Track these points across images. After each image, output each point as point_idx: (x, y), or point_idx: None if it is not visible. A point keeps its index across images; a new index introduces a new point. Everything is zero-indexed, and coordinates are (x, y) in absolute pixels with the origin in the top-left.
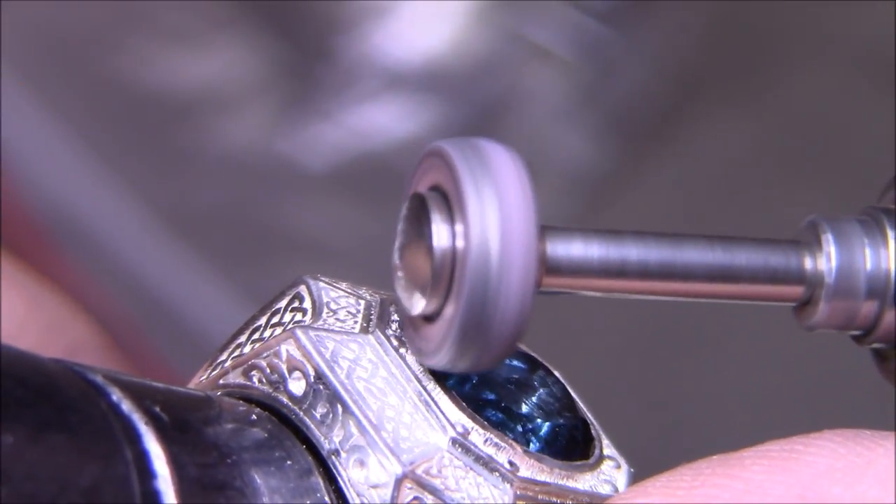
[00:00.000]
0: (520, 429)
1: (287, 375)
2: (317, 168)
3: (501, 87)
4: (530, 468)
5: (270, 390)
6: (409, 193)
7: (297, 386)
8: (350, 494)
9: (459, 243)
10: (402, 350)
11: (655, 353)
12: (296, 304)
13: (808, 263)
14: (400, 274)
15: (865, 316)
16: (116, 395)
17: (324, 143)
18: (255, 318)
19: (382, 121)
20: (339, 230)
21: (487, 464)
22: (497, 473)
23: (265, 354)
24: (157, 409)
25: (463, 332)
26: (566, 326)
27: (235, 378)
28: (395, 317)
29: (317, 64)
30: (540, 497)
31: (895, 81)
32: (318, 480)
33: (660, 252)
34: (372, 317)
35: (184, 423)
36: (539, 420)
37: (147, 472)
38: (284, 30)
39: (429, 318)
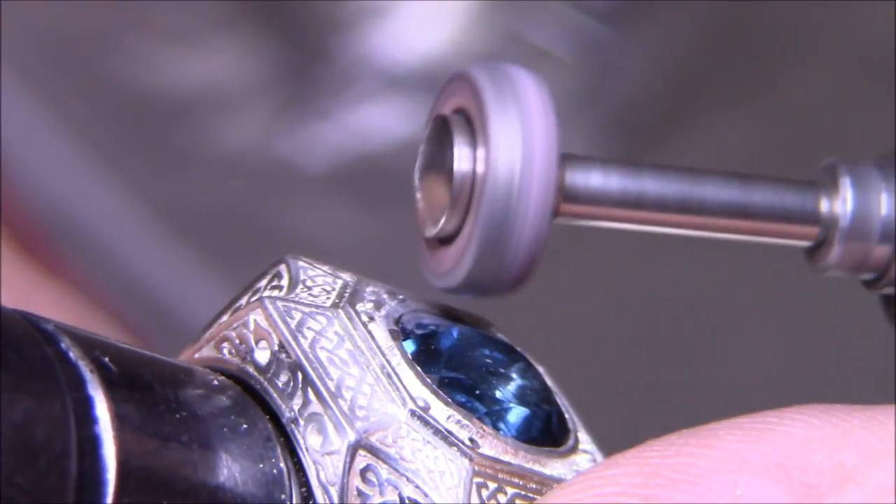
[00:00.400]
0: (490, 412)
1: (254, 346)
2: (315, 168)
3: None
4: (493, 448)
5: (239, 361)
6: (433, 115)
7: (262, 355)
8: (306, 462)
9: (480, 167)
10: (372, 326)
11: (656, 354)
12: (275, 283)
13: (823, 205)
14: (419, 195)
15: (878, 260)
16: (66, 342)
17: (322, 143)
18: (237, 297)
19: (381, 121)
20: (337, 230)
21: (446, 438)
22: (456, 448)
23: (235, 325)
24: (107, 359)
25: (479, 254)
26: (566, 325)
27: (209, 351)
28: (370, 297)
29: (315, 64)
30: (500, 476)
31: (895, 81)
32: (277, 448)
33: (678, 185)
34: (346, 294)
35: (133, 376)
36: (511, 405)
37: (87, 418)
38: (283, 30)
39: (445, 241)
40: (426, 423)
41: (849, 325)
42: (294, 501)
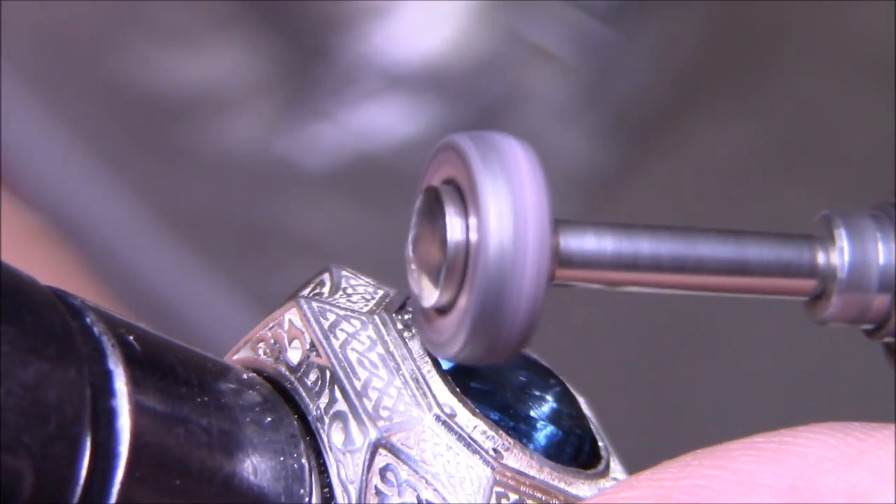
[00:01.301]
0: (519, 428)
1: (287, 345)
2: (316, 168)
3: (501, 87)
4: (518, 461)
5: (272, 360)
6: (422, 186)
7: (294, 355)
8: (329, 459)
9: (473, 236)
10: (406, 333)
11: (658, 355)
12: (317, 290)
13: (820, 258)
14: (413, 266)
15: (877, 310)
16: (91, 317)
17: (323, 143)
18: (282, 305)
19: (382, 121)
20: (338, 230)
21: (469, 445)
22: (478, 456)
23: (271, 325)
24: (131, 338)
25: (476, 324)
26: (569, 328)
27: (245, 353)
28: (410, 308)
29: (316, 64)
30: (522, 489)
31: (895, 81)
32: (301, 444)
33: (672, 246)
34: (385, 303)
35: (156, 356)
36: (542, 424)
37: (106, 390)
38: (283, 30)
39: (442, 311)
40: (450, 428)
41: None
42: (314, 499)
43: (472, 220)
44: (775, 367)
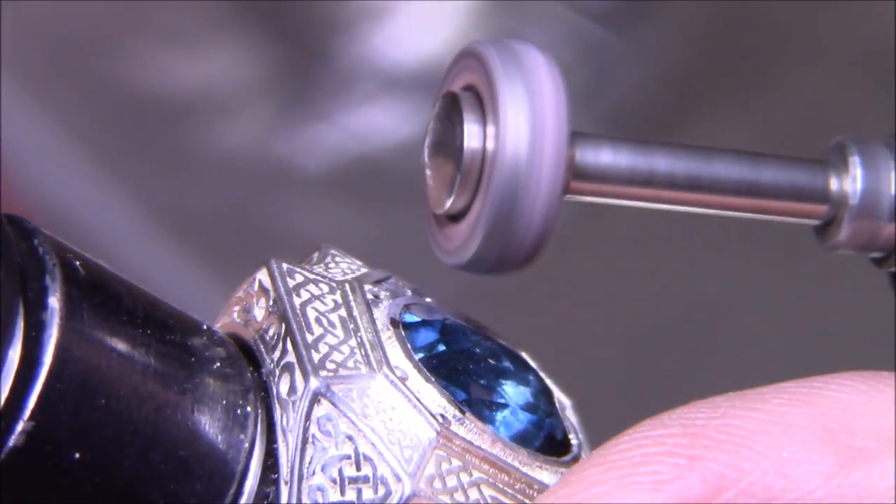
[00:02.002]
0: (479, 404)
1: (255, 303)
2: (315, 169)
3: None
4: (469, 432)
5: (242, 322)
6: (441, 91)
7: (259, 312)
8: (275, 408)
9: (490, 144)
10: (374, 304)
11: (657, 353)
12: (305, 263)
13: (833, 183)
14: (429, 172)
15: (887, 238)
16: (40, 239)
17: (322, 144)
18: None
19: (381, 122)
20: (337, 232)
21: (416, 408)
22: (423, 419)
23: (245, 287)
24: (77, 263)
25: (489, 231)
26: (566, 324)
27: (223, 318)
28: (389, 286)
29: (315, 65)
30: (468, 457)
31: (895, 81)
32: (253, 396)
33: (688, 164)
34: (362, 277)
35: (100, 284)
36: (508, 406)
37: (39, 305)
38: (282, 31)
39: (454, 218)
40: (398, 389)
41: (852, 323)
42: (257, 448)
43: (490, 128)
44: (774, 368)
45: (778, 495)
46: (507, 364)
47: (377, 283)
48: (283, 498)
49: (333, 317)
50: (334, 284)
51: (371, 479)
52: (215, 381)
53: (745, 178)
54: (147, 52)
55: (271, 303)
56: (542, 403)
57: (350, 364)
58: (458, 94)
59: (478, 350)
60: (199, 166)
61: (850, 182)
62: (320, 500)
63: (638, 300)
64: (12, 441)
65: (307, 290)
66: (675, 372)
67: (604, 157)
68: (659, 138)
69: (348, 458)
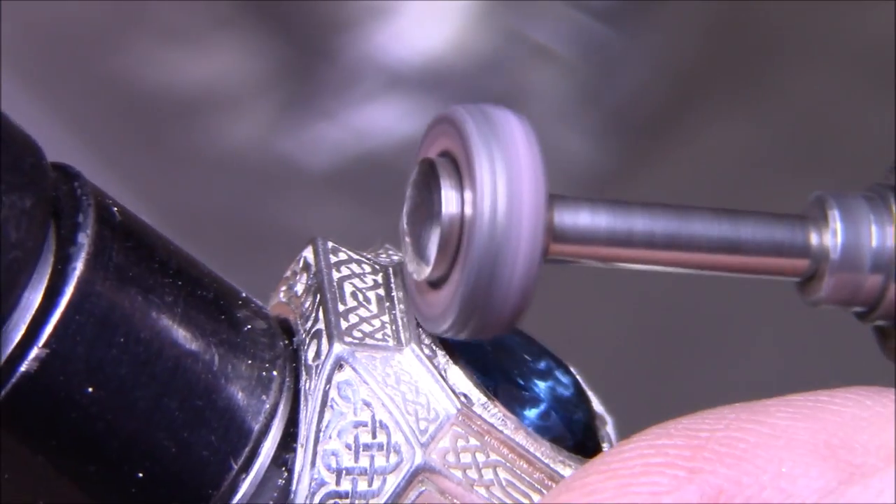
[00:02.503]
0: (517, 405)
1: (298, 279)
2: (317, 168)
3: (502, 86)
4: (492, 416)
5: (286, 300)
6: (418, 158)
7: (300, 287)
8: (302, 376)
9: (468, 210)
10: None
11: (658, 352)
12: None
13: (813, 238)
14: (407, 239)
15: (869, 292)
16: (80, 182)
17: (324, 142)
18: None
19: (383, 120)
20: (339, 230)
21: (439, 383)
22: (445, 395)
23: (292, 265)
24: (115, 210)
25: (469, 299)
26: (568, 322)
27: (273, 299)
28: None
29: (317, 64)
30: (487, 438)
31: (895, 81)
32: (282, 362)
33: (666, 223)
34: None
35: (135, 231)
36: (544, 405)
37: (69, 240)
38: (285, 29)
39: (434, 285)
40: (423, 364)
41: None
42: (280, 410)
43: (468, 194)
44: (775, 368)
45: None
46: (545, 365)
47: None
48: (298, 461)
49: (371, 294)
50: (378, 266)
51: (385, 447)
52: (244, 341)
53: (725, 235)
54: (150, 50)
55: (311, 277)
56: (579, 409)
57: (378, 336)
58: (434, 160)
59: (518, 349)
60: (202, 164)
61: (831, 236)
62: (333, 465)
63: (639, 300)
64: (25, 366)
65: (348, 267)
66: (676, 369)
67: (582, 218)
68: (661, 136)
69: (365, 424)
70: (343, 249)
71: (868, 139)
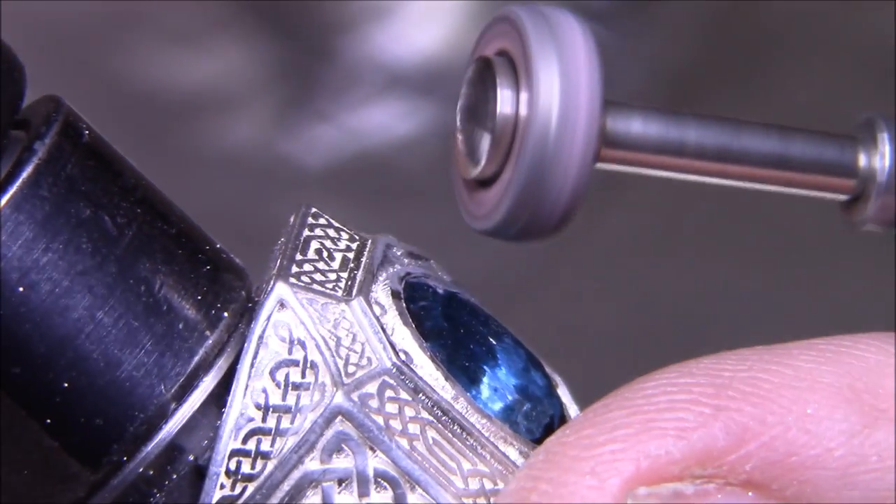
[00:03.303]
0: (467, 380)
1: (279, 242)
2: (316, 168)
3: None
4: (433, 379)
5: (272, 265)
6: (474, 56)
7: (277, 248)
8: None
9: (523, 111)
10: (389, 266)
11: (658, 352)
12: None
13: (862, 159)
14: (460, 136)
15: None
16: (59, 106)
17: (324, 142)
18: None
19: (382, 120)
20: None
21: (378, 335)
22: (382, 347)
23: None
24: (86, 132)
25: (519, 198)
26: (568, 322)
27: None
28: (419, 259)
29: (317, 64)
30: (421, 396)
31: (895, 81)
32: (237, 308)
33: (718, 135)
34: (396, 244)
35: (103, 154)
36: (498, 383)
37: (27, 148)
38: (285, 30)
39: (484, 183)
40: (367, 317)
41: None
42: (227, 351)
43: (524, 95)
44: None
45: (798, 451)
46: (522, 364)
47: (412, 255)
48: (230, 396)
49: (337, 254)
50: (358, 237)
51: (311, 387)
52: (198, 278)
53: (775, 150)
54: (150, 51)
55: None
56: (548, 410)
57: (329, 286)
58: (491, 59)
59: (478, 327)
60: (202, 164)
61: (879, 159)
62: (262, 402)
63: (641, 296)
64: None
65: (323, 230)
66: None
67: (635, 126)
68: None
69: (296, 363)
70: (326, 217)
71: None
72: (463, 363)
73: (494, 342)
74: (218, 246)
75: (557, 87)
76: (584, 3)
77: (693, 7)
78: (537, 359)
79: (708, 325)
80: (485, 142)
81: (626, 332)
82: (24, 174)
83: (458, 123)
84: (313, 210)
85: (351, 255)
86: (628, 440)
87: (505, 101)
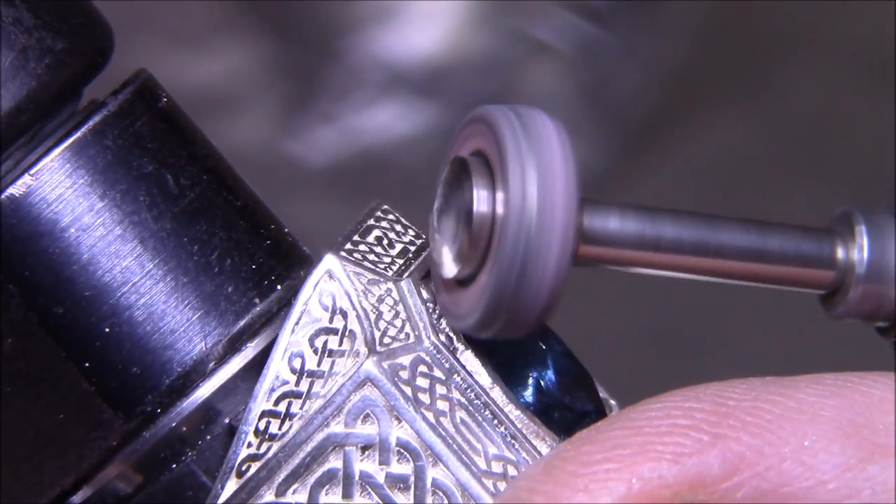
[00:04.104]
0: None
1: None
2: (319, 167)
3: (501, 87)
4: (469, 363)
5: None
6: (450, 157)
7: None
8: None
9: (500, 210)
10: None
11: (658, 353)
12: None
13: (840, 252)
14: (437, 236)
15: (893, 307)
16: (141, 72)
17: (326, 142)
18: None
19: (384, 120)
20: (341, 229)
21: (422, 314)
22: (423, 326)
23: None
24: (164, 99)
25: (496, 299)
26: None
27: None
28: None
29: (319, 65)
30: (455, 378)
31: (895, 81)
32: (291, 284)
33: (694, 230)
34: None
35: (176, 120)
36: (542, 381)
37: (103, 103)
38: (287, 31)
39: (462, 283)
40: (414, 299)
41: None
42: (277, 319)
43: (500, 194)
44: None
45: (791, 482)
46: (555, 353)
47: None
48: (270, 359)
49: (398, 244)
50: (425, 237)
51: (346, 354)
52: (256, 249)
53: (752, 244)
54: (153, 52)
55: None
56: (581, 405)
57: (381, 267)
58: (466, 159)
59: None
60: None
61: (857, 251)
62: (297, 366)
63: (640, 299)
64: (12, 189)
65: (389, 223)
66: (677, 370)
67: (612, 222)
68: (660, 136)
69: (336, 332)
70: (396, 214)
71: (868, 139)
72: (509, 362)
73: (545, 348)
74: (286, 230)
75: (534, 187)
76: (585, 3)
77: (693, 7)
78: (590, 377)
79: (707, 326)
80: (462, 242)
81: (625, 332)
82: (91, 123)
83: (435, 223)
84: (384, 206)
85: (412, 249)
86: (624, 460)
87: (481, 200)
